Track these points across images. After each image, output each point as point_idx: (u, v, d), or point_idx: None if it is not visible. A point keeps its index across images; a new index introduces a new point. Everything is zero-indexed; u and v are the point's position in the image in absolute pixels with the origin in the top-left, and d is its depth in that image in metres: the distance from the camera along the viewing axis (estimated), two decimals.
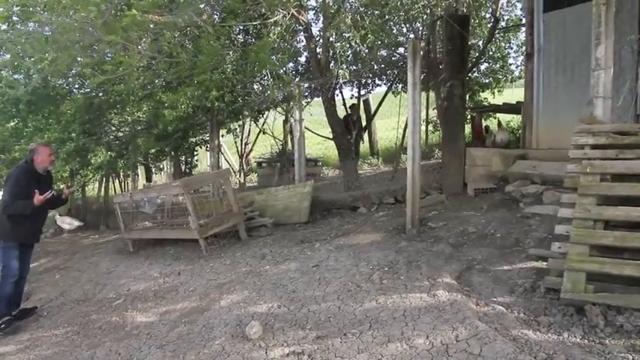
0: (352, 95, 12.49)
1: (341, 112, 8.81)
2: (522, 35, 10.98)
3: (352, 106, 12.12)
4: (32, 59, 5.72)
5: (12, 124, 8.54)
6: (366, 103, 13.49)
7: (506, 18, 10.98)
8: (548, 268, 3.25)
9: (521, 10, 10.46)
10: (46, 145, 5.04)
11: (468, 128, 9.73)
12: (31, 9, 5.85)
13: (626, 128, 3.67)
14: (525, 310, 2.93)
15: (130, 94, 7.15)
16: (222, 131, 10.05)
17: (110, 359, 3.28)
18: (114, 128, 9.41)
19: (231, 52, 6.59)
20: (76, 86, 8.66)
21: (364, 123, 12.63)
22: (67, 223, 9.67)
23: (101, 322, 4.15)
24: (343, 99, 11.89)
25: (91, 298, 5.00)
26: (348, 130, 11.68)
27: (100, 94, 8.00)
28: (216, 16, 6.92)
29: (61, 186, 5.07)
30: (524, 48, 9.64)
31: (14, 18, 6.22)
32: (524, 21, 8.66)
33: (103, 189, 12.10)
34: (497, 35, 10.63)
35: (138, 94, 7.07)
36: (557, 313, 2.79)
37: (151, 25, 5.37)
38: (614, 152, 3.35)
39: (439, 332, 2.68)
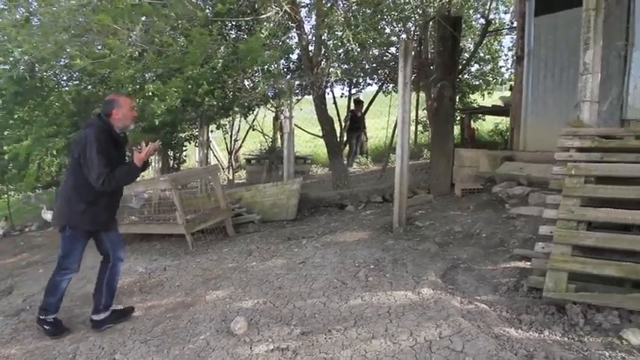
0: (342, 94, 12.38)
1: (331, 111, 8.79)
2: (509, 39, 11.13)
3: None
4: (20, 49, 5.60)
5: None
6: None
7: (497, 21, 11.05)
8: (531, 267, 3.30)
9: (505, 13, 10.58)
10: (127, 96, 4.00)
11: (456, 129, 9.80)
12: None
13: (612, 132, 3.74)
14: (508, 308, 2.97)
15: (119, 87, 7.06)
16: (212, 127, 10.00)
17: (94, 354, 3.25)
18: None
19: (222, 47, 6.55)
20: (65, 78, 8.55)
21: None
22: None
23: (84, 316, 4.10)
24: (334, 97, 11.84)
25: (74, 292, 4.93)
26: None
27: (89, 86, 7.90)
28: (208, 11, 6.87)
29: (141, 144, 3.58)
30: (514, 51, 9.76)
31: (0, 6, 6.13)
32: (515, 24, 8.73)
33: None
34: (487, 37, 10.68)
35: (128, 87, 6.98)
36: (539, 312, 2.83)
37: (143, 18, 5.32)
38: (598, 155, 3.40)
39: (423, 329, 2.70)
